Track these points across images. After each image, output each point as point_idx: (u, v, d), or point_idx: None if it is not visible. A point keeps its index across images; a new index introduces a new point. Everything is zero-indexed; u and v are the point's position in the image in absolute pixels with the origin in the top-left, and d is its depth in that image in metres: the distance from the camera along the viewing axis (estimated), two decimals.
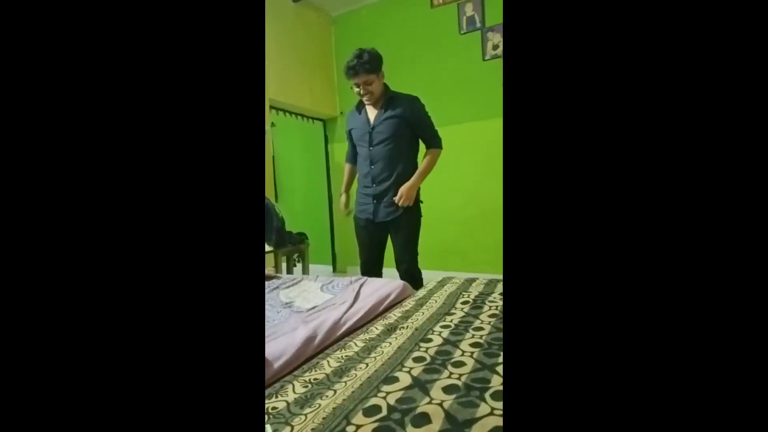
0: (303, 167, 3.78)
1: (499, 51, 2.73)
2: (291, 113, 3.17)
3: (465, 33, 2.85)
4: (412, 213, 1.68)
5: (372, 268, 1.76)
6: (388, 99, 1.65)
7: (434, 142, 1.70)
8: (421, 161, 1.69)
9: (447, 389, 0.62)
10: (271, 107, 2.85)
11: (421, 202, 1.73)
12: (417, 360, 0.75)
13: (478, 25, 2.79)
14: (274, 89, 2.73)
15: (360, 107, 1.72)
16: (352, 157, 1.84)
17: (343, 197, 1.94)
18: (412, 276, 1.66)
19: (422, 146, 1.73)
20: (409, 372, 0.69)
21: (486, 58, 2.78)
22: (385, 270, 1.81)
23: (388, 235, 1.73)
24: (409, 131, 1.65)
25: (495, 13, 2.74)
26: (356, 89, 1.62)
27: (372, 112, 1.68)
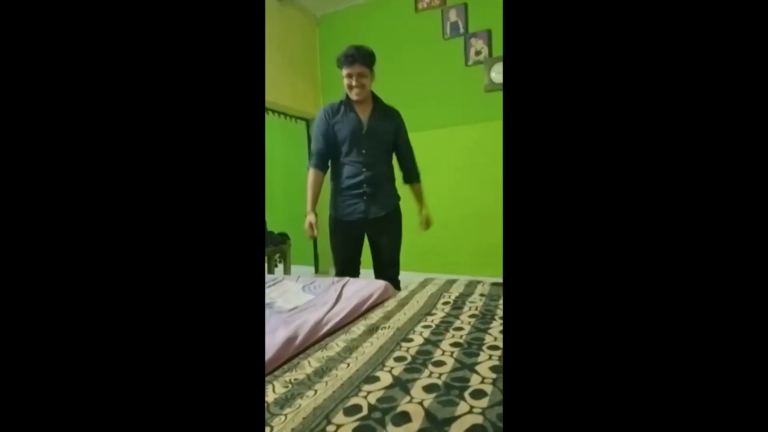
0: (285, 167, 3.75)
1: (482, 57, 2.78)
2: (273, 112, 3.14)
3: (448, 38, 2.89)
4: (399, 217, 1.74)
5: (352, 268, 1.73)
6: (379, 103, 1.66)
7: (416, 173, 1.78)
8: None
9: (427, 388, 0.63)
10: None
11: None
12: (398, 360, 0.75)
13: (462, 30, 2.84)
14: None
15: (346, 106, 1.61)
16: (323, 162, 1.67)
17: (312, 218, 1.63)
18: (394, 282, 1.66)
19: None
20: (390, 371, 0.70)
21: (468, 63, 2.83)
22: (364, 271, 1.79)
23: (365, 236, 1.72)
24: (393, 141, 1.70)
25: (478, 20, 2.79)
26: (347, 81, 1.53)
27: (363, 113, 1.61)
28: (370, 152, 1.61)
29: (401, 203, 1.76)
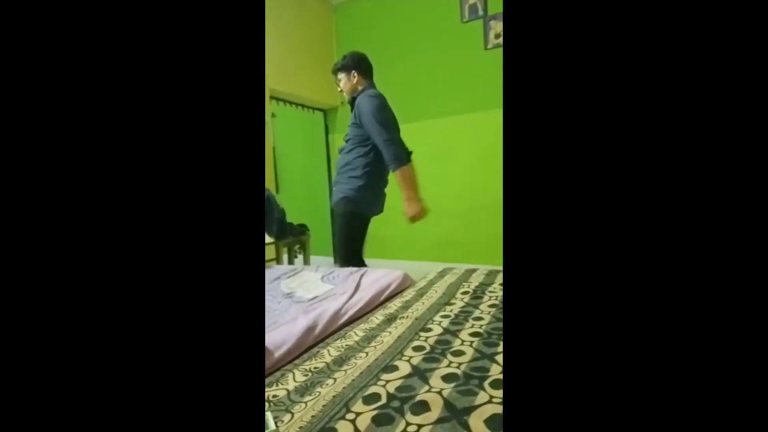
0: (303, 158, 3.77)
1: (502, 40, 2.70)
2: (291, 103, 3.15)
3: (467, 21, 2.81)
4: (341, 209, 1.67)
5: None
6: (352, 100, 1.68)
7: (391, 156, 1.53)
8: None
9: (446, 378, 0.62)
10: (272, 97, 2.83)
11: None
12: (417, 349, 0.75)
13: (480, 13, 2.75)
14: (274, 79, 2.70)
15: None
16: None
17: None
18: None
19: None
20: (408, 361, 0.70)
21: (488, 47, 2.75)
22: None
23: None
24: (362, 132, 1.62)
25: (497, 1, 2.70)
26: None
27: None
28: (345, 144, 1.73)
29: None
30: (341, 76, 1.72)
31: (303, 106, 3.29)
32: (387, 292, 1.22)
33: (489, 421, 0.50)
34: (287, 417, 0.55)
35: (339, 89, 1.77)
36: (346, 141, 1.70)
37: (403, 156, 1.56)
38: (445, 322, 0.89)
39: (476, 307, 0.99)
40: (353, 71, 1.70)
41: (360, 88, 1.70)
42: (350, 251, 1.71)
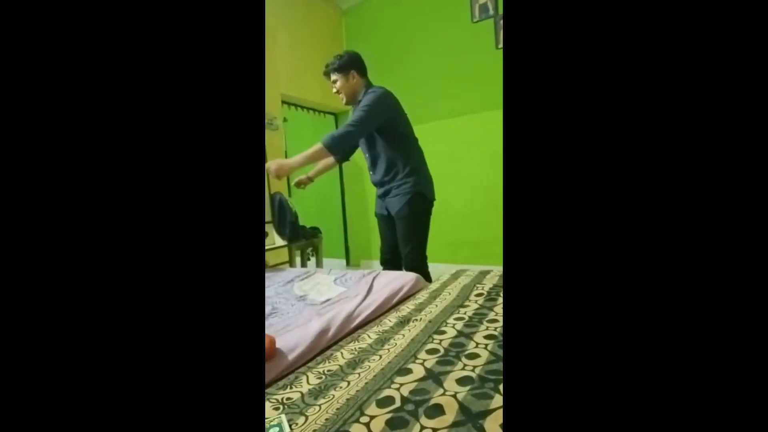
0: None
1: None
2: (302, 107, 3.18)
3: (477, 21, 2.80)
4: (412, 205, 1.63)
5: (391, 258, 1.78)
6: (358, 101, 1.62)
7: (334, 136, 1.49)
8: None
9: (461, 381, 0.61)
10: (283, 102, 2.85)
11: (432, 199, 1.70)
12: (430, 352, 0.74)
13: (491, 12, 2.74)
14: (285, 83, 2.73)
15: None
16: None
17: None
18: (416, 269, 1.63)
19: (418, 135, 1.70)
20: (422, 364, 0.69)
21: (499, 46, 2.73)
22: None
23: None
24: (371, 133, 1.62)
25: None
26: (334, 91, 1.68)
27: None
28: (366, 153, 1.69)
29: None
30: (337, 77, 1.62)
31: (314, 110, 3.32)
32: (400, 295, 1.22)
33: None
34: (301, 420, 0.55)
35: (335, 91, 1.66)
36: (367, 153, 1.67)
37: (337, 148, 1.52)
38: (459, 325, 0.88)
39: (491, 309, 0.97)
40: (352, 71, 1.62)
41: (362, 89, 1.63)
42: (423, 254, 1.65)
